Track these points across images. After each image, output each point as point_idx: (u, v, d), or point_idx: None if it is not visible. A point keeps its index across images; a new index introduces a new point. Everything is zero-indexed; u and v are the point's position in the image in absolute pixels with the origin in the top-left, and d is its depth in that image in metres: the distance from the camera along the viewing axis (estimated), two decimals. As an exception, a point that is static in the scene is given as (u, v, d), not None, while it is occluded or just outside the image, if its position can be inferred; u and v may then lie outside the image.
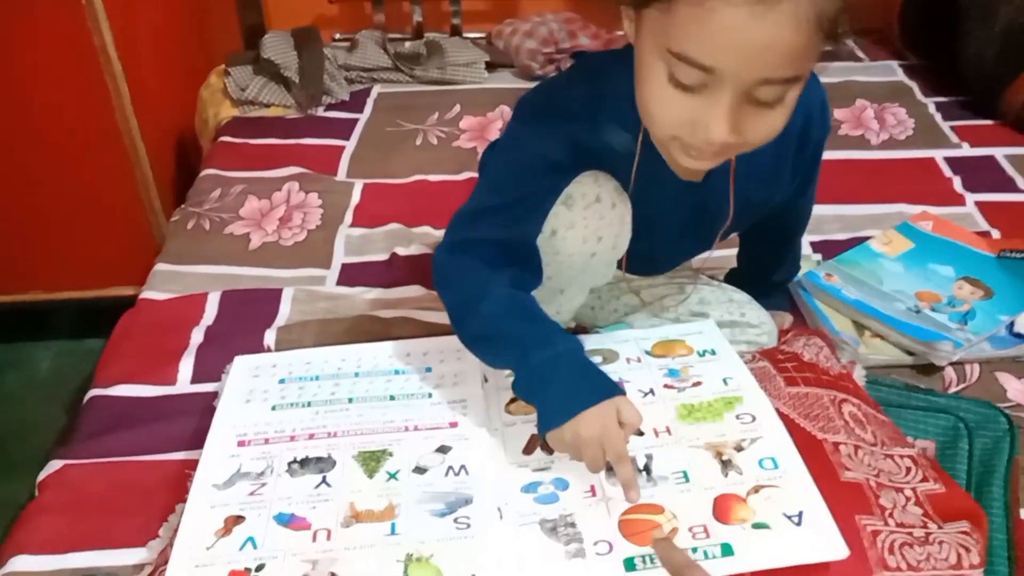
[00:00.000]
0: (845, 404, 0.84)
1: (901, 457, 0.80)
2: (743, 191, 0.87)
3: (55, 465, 0.96)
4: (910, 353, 1.07)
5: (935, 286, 1.16)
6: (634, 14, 0.71)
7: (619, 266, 0.92)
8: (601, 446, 0.72)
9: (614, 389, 0.75)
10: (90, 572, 0.82)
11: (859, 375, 0.97)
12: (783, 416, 0.80)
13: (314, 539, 0.70)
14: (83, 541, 0.87)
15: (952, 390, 1.04)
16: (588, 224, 0.82)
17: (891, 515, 0.73)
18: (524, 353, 0.77)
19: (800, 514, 0.70)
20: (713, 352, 0.90)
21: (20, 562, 0.85)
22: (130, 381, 1.08)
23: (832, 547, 0.68)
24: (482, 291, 0.79)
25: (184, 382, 1.07)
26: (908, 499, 0.75)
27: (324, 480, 0.75)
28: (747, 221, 0.96)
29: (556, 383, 0.74)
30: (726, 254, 1.10)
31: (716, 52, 0.64)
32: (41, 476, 0.95)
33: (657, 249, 0.95)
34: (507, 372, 0.89)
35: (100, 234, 1.73)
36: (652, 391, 0.84)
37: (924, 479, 0.78)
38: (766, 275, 1.11)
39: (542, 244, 0.83)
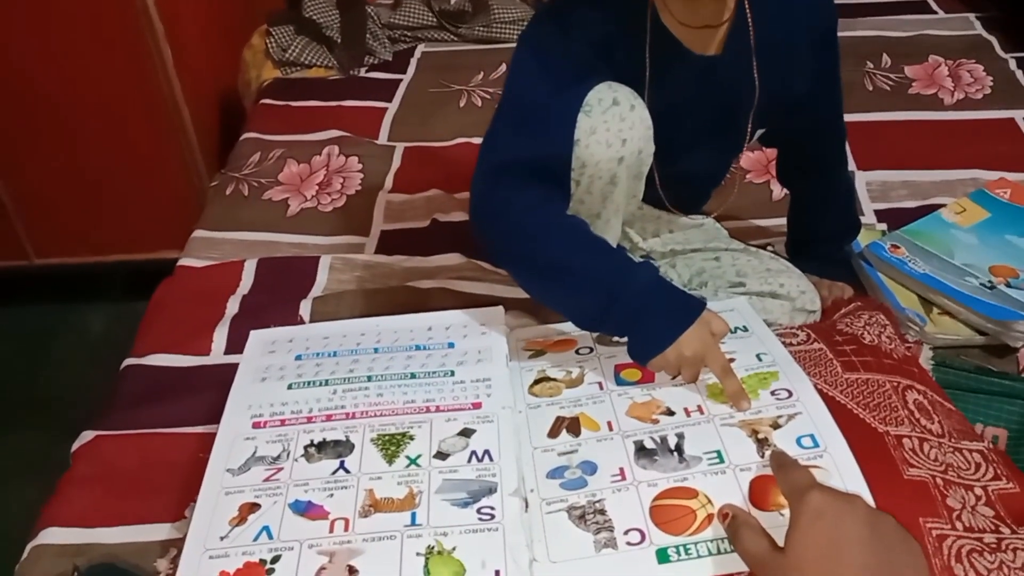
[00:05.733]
0: (910, 391, 0.78)
1: (970, 452, 0.74)
2: (763, 78, 0.88)
3: (87, 436, 0.95)
4: (982, 333, 1.02)
5: (1012, 260, 1.09)
6: None
7: (655, 187, 0.93)
8: (703, 362, 0.76)
9: (701, 306, 0.78)
10: (110, 559, 0.81)
11: (925, 357, 0.91)
12: (839, 406, 0.75)
13: (331, 529, 0.67)
14: (112, 516, 0.86)
15: (1028, 373, 0.98)
16: (610, 127, 0.81)
17: (959, 517, 0.67)
18: (607, 289, 0.78)
19: None
20: (745, 329, 0.86)
21: (50, 535, 0.85)
22: (165, 351, 1.07)
23: None
24: (539, 224, 0.80)
25: (218, 353, 1.06)
26: (978, 498, 0.69)
27: (342, 465, 0.73)
28: (772, 113, 0.93)
29: (650, 313, 0.77)
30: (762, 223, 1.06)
31: None
32: (74, 447, 0.95)
33: (685, 151, 0.93)
34: (529, 353, 0.86)
35: (147, 197, 1.75)
36: None
37: (996, 477, 0.72)
38: (819, 228, 1.07)
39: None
